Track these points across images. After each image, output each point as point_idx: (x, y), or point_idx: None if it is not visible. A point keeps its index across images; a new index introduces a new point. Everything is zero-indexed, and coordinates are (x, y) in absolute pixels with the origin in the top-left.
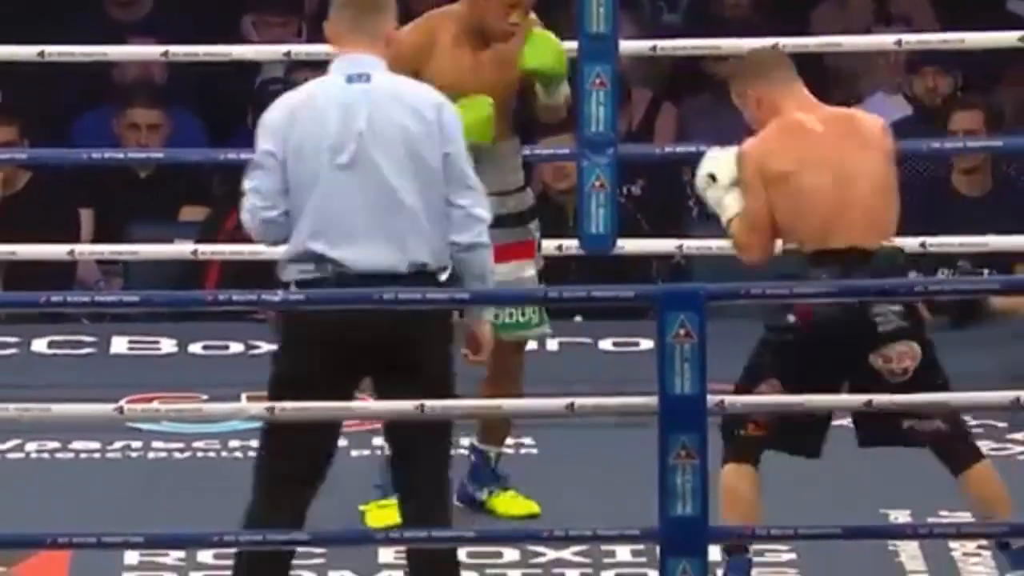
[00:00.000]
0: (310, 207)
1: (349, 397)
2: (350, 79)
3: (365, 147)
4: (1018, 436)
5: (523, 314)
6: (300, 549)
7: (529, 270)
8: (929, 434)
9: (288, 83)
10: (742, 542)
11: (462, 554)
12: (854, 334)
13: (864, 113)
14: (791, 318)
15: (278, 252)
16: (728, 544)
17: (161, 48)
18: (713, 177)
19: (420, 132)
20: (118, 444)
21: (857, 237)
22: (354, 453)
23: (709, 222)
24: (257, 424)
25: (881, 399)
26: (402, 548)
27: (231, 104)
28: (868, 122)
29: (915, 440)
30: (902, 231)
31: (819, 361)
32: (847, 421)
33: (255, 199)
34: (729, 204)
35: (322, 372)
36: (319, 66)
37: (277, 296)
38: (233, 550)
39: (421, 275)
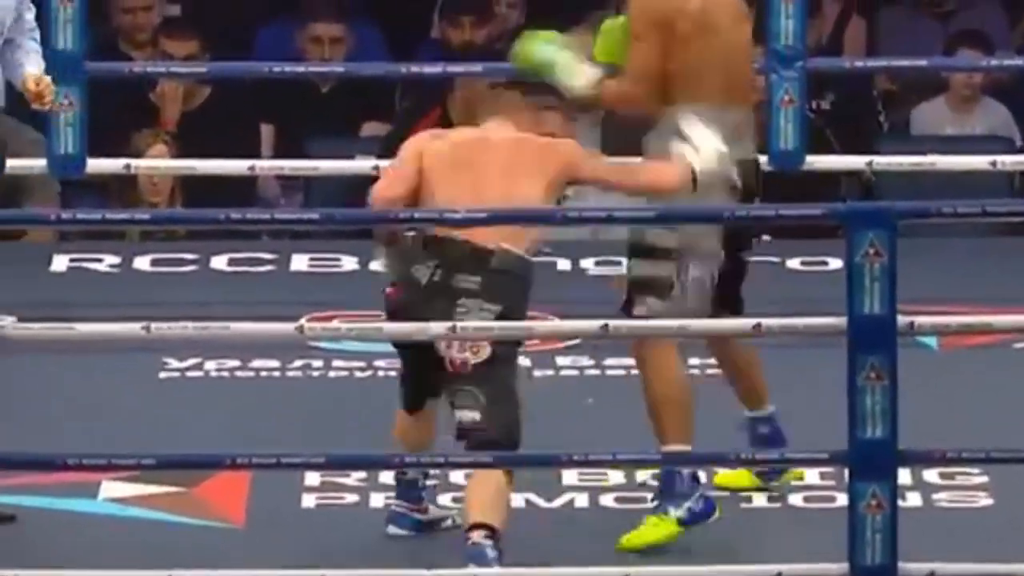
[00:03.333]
0: None
1: None
2: None
3: None
4: None
5: None
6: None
7: None
8: (466, 424)
9: None
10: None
11: (646, 474)
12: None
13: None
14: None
15: None
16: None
17: None
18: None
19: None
20: (298, 363)
21: (476, 234)
22: (537, 373)
23: (900, 138)
24: None
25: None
26: (586, 471)
27: (414, 18)
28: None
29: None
30: None
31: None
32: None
33: None
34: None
35: None
36: None
37: (459, 214)
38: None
39: None
